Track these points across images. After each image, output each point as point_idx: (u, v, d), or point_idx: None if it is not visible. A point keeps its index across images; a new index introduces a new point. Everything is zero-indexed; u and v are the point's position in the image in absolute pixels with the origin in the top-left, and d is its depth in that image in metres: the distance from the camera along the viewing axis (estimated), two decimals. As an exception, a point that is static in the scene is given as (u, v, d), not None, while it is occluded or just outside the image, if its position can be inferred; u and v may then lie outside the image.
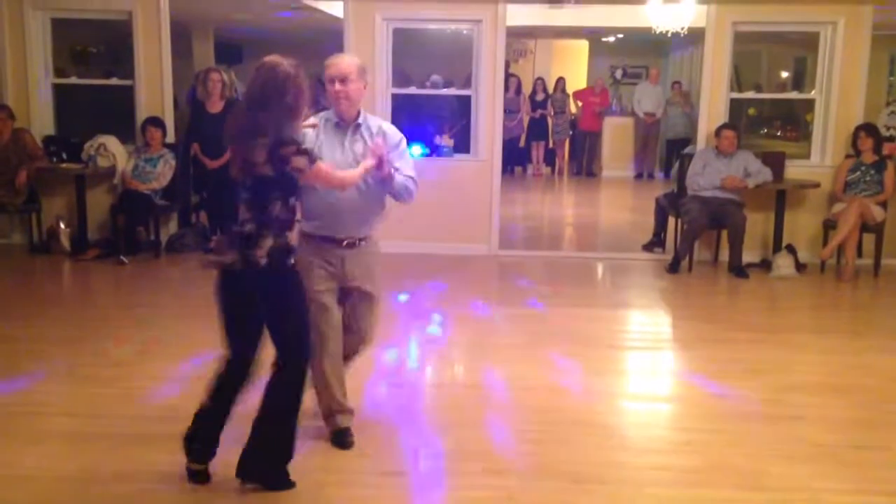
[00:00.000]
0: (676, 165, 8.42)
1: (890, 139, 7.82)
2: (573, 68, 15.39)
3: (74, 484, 3.31)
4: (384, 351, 4.80)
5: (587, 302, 6.44)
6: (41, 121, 7.85)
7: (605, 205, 12.60)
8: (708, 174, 7.33)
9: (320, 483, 3.34)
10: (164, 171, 7.51)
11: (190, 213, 8.19)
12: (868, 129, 7.32)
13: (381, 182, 3.49)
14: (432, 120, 11.10)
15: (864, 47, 7.42)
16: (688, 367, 4.99)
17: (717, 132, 7.40)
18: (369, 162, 3.36)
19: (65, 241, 7.52)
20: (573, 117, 14.36)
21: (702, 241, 7.56)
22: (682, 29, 9.37)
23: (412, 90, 8.57)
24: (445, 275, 7.00)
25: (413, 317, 5.79)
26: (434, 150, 8.00)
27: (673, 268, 7.26)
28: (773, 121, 13.96)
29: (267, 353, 3.21)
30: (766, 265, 7.38)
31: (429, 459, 3.59)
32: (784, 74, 13.90)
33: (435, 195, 7.21)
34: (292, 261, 3.12)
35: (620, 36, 14.92)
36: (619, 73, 16.01)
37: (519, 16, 8.76)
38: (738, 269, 7.14)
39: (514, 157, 13.86)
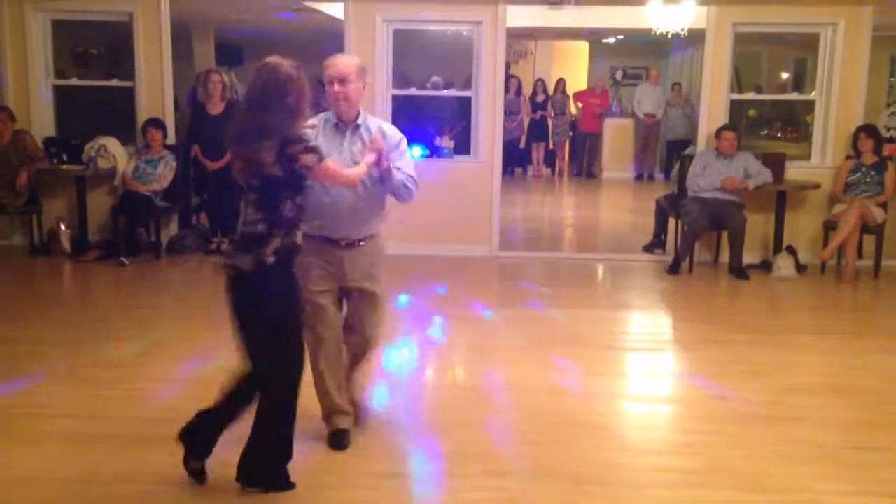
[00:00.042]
0: (677, 167, 8.41)
1: (890, 140, 7.82)
2: (573, 69, 15.39)
3: (75, 485, 3.31)
4: (385, 352, 4.80)
5: (587, 303, 6.44)
6: (42, 122, 7.86)
7: (605, 206, 12.60)
8: (708, 175, 7.33)
9: (321, 484, 3.34)
10: (164, 172, 7.51)
11: (190, 215, 8.20)
12: (868, 130, 7.32)
13: (380, 179, 3.47)
14: (433, 121, 11.11)
15: (864, 48, 7.43)
16: (688, 369, 4.99)
17: (718, 133, 7.40)
18: (370, 158, 3.34)
19: (65, 243, 7.52)
20: (573, 118, 14.37)
21: (702, 242, 7.56)
22: (683, 30, 9.38)
23: (412, 91, 8.57)
24: (446, 276, 7.00)
25: (413, 318, 5.79)
26: (434, 152, 8.00)
27: (673, 269, 7.26)
28: (773, 122, 13.95)
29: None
30: (766, 266, 7.38)
31: (429, 461, 3.59)
32: (784, 75, 13.90)
33: (435, 196, 7.21)
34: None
35: (621, 37, 14.93)
36: (619, 75, 16.00)
37: (519, 17, 8.75)
38: (739, 271, 7.14)
39: (514, 159, 13.86)
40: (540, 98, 13.93)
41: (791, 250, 7.31)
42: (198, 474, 3.23)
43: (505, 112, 8.25)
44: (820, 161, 7.70)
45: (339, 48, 7.33)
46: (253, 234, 3.02)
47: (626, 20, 11.35)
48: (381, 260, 3.68)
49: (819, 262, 7.32)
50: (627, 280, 7.32)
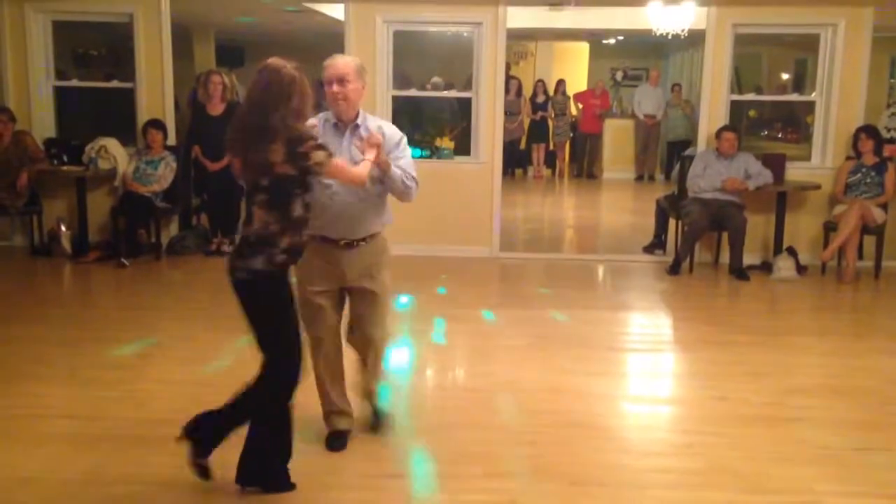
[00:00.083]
0: (677, 167, 8.42)
1: (890, 141, 7.81)
2: (574, 70, 15.39)
3: (76, 486, 3.31)
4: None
5: (588, 304, 6.44)
6: (42, 123, 7.86)
7: (605, 207, 12.60)
8: (708, 176, 7.33)
9: (321, 485, 3.34)
10: (164, 173, 7.51)
11: (191, 216, 8.19)
12: (869, 130, 7.32)
13: (377, 175, 3.44)
14: (433, 122, 11.12)
15: (864, 49, 7.43)
16: (689, 370, 5.00)
17: (718, 134, 7.40)
18: (370, 154, 3.31)
19: (66, 244, 7.52)
20: (574, 119, 14.36)
21: (702, 243, 7.56)
22: (683, 31, 9.37)
23: (413, 92, 8.58)
24: (446, 277, 7.00)
25: (414, 319, 5.79)
26: (435, 153, 8.00)
27: (674, 270, 7.26)
28: (773, 123, 13.95)
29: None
30: (766, 267, 7.38)
31: (430, 462, 3.59)
32: (784, 76, 13.91)
33: (436, 198, 7.23)
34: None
35: (621, 38, 14.93)
36: (619, 76, 16.02)
37: (519, 18, 8.75)
38: (739, 271, 7.14)
39: (514, 160, 13.86)
40: (540, 99, 13.93)
41: (791, 251, 7.31)
42: (203, 471, 3.22)
43: (505, 113, 8.26)
44: (820, 162, 7.70)
45: (340, 49, 7.33)
46: (264, 235, 3.02)
47: (627, 21, 11.36)
48: (384, 259, 3.65)
49: (819, 263, 7.32)
50: (628, 281, 7.32)
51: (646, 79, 14.56)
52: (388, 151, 3.46)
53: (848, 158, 7.45)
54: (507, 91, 9.45)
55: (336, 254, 3.52)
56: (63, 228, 7.56)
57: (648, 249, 8.05)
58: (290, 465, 3.26)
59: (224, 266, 3.12)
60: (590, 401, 4.33)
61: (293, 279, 3.26)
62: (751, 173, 7.27)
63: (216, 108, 7.63)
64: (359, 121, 3.51)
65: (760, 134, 13.87)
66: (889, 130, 8.10)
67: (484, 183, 7.76)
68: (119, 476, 3.39)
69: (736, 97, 8.13)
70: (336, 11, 8.68)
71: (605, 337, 5.56)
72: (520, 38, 14.87)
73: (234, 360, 4.52)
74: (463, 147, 8.10)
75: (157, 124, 7.56)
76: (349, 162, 3.41)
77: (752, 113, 13.90)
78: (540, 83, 14.11)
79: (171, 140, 7.74)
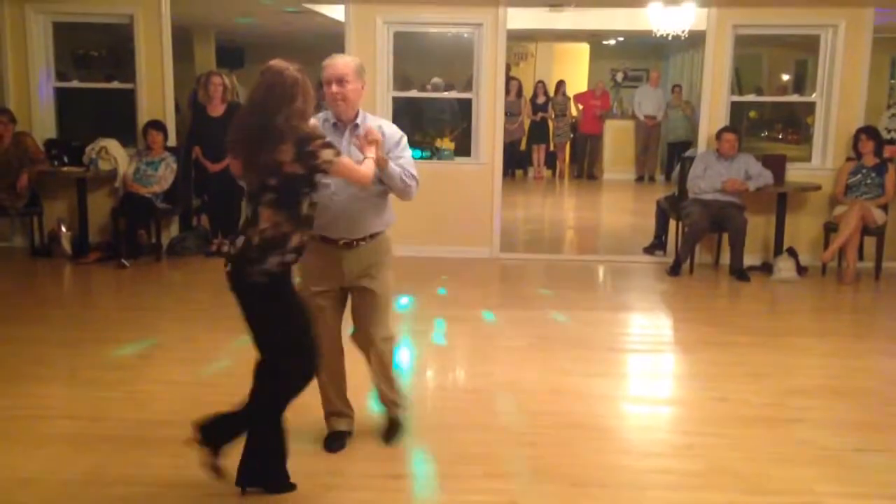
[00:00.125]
0: (677, 168, 8.42)
1: (891, 142, 7.82)
2: (574, 71, 15.40)
3: (76, 487, 3.31)
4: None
5: (588, 305, 6.44)
6: (43, 124, 7.86)
7: (606, 208, 12.60)
8: (709, 177, 7.34)
9: (323, 486, 3.34)
10: (165, 174, 7.52)
11: (191, 217, 8.20)
12: (869, 131, 7.32)
13: (376, 173, 3.42)
14: (433, 123, 11.12)
15: (864, 50, 7.43)
16: (689, 371, 5.00)
17: (718, 135, 7.41)
18: (370, 151, 3.29)
19: (66, 245, 7.53)
20: (574, 120, 14.37)
21: (703, 243, 7.56)
22: (683, 32, 9.37)
23: (413, 93, 8.57)
24: (447, 278, 7.00)
25: (414, 320, 5.79)
26: (435, 154, 8.01)
27: (674, 271, 7.26)
28: (773, 124, 13.96)
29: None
30: (767, 268, 7.38)
31: (430, 463, 3.59)
32: (785, 77, 13.92)
33: (436, 198, 7.23)
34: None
35: (621, 39, 14.94)
36: (619, 76, 16.02)
37: (519, 19, 8.75)
38: (740, 272, 7.14)
39: (515, 161, 13.86)
40: (540, 100, 13.94)
41: (792, 252, 7.31)
42: (219, 472, 3.19)
43: (505, 114, 8.26)
44: (820, 163, 7.70)
45: (341, 50, 7.33)
46: (275, 236, 3.01)
47: (627, 22, 11.37)
48: (385, 259, 3.61)
49: (820, 264, 7.32)
50: (628, 281, 7.32)
51: (646, 80, 14.57)
52: (388, 150, 3.44)
53: (848, 159, 7.45)
54: (507, 92, 9.47)
55: (335, 254, 3.50)
56: (63, 229, 7.57)
57: (649, 250, 8.05)
58: (289, 466, 3.26)
59: (227, 273, 3.06)
60: (590, 402, 4.33)
61: (296, 279, 3.26)
62: (751, 174, 7.27)
63: (216, 110, 7.64)
64: (358, 120, 3.48)
65: (761, 135, 13.88)
66: (889, 131, 8.11)
67: (484, 184, 7.76)
68: (119, 477, 3.39)
69: (736, 98, 8.13)
70: (336, 12, 8.69)
71: (606, 338, 5.56)
72: (520, 39, 14.88)
73: (235, 361, 4.51)
74: (463, 148, 8.10)
75: (157, 125, 7.57)
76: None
77: (752, 114, 13.91)
78: (540, 84, 14.11)
79: (172, 141, 7.74)
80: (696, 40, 10.06)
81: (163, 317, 5.87)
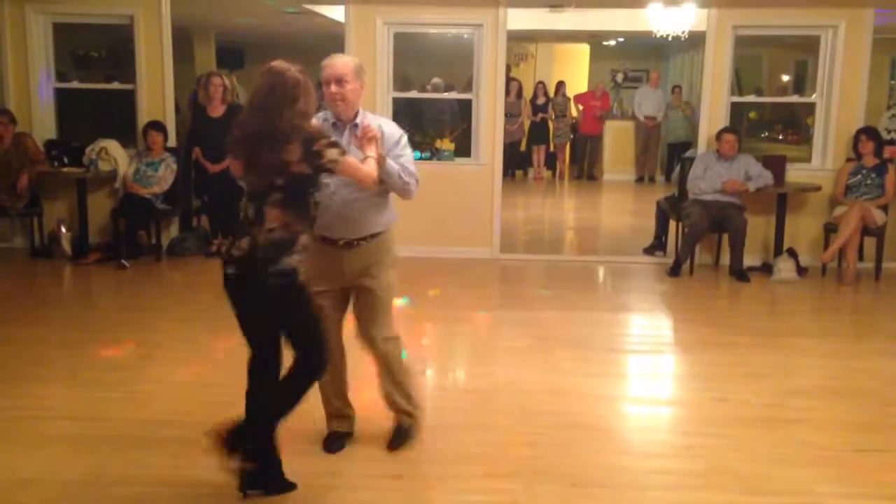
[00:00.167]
0: (677, 169, 8.42)
1: (891, 142, 7.81)
2: (574, 72, 15.40)
3: (76, 487, 3.31)
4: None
5: (588, 305, 6.44)
6: (43, 125, 7.87)
7: (606, 208, 12.61)
8: (709, 178, 7.34)
9: (323, 486, 3.34)
10: (165, 175, 7.52)
11: (191, 217, 8.20)
12: (869, 132, 7.32)
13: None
14: (433, 124, 11.12)
15: (864, 51, 7.43)
16: (689, 371, 5.00)
17: (718, 136, 7.41)
18: (370, 150, 3.28)
19: (66, 245, 7.53)
20: (574, 121, 14.37)
21: (703, 244, 7.57)
22: (683, 33, 9.37)
23: (413, 94, 8.56)
24: (447, 278, 7.00)
25: (414, 320, 5.79)
26: (435, 155, 8.01)
27: (674, 271, 7.27)
28: (773, 124, 13.96)
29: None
30: (767, 269, 7.39)
31: (431, 463, 3.59)
32: (785, 78, 13.92)
33: (436, 199, 7.24)
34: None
35: (621, 40, 14.94)
36: (619, 77, 16.02)
37: (520, 20, 8.75)
38: (740, 273, 7.14)
39: (515, 161, 13.86)
40: (541, 100, 13.94)
41: (792, 253, 7.31)
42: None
43: (505, 114, 8.26)
44: (820, 163, 7.70)
45: (341, 51, 7.33)
46: (286, 236, 3.01)
47: (627, 23, 11.36)
48: (387, 259, 3.58)
49: (820, 265, 7.32)
50: (628, 282, 7.32)
51: (646, 80, 14.57)
52: (388, 149, 3.43)
53: (848, 160, 7.45)
54: (507, 93, 9.46)
55: (335, 254, 3.48)
56: (63, 230, 7.57)
57: (649, 251, 8.05)
58: (289, 466, 3.26)
59: (234, 276, 3.04)
60: (590, 402, 4.33)
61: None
62: (751, 175, 7.27)
63: (216, 110, 7.64)
64: (358, 120, 3.47)
65: (761, 135, 13.88)
66: (889, 132, 8.11)
67: (484, 184, 7.77)
68: (119, 477, 3.39)
69: (736, 99, 8.13)
70: (336, 13, 8.69)
71: (606, 338, 5.56)
72: (520, 40, 14.88)
73: (235, 362, 4.50)
74: (463, 149, 8.10)
75: (157, 126, 7.57)
76: None
77: (752, 115, 13.91)
78: (540, 85, 14.11)
79: (172, 142, 7.74)
80: (696, 41, 10.06)
81: (163, 317, 5.87)
